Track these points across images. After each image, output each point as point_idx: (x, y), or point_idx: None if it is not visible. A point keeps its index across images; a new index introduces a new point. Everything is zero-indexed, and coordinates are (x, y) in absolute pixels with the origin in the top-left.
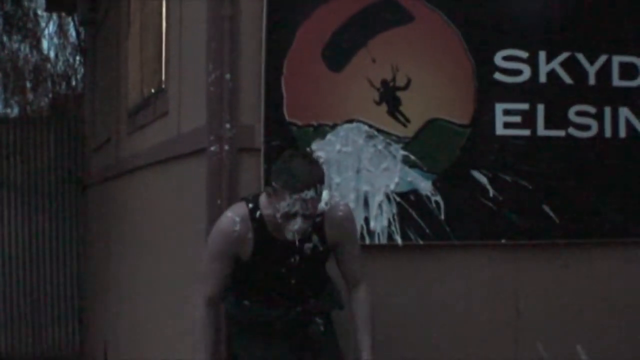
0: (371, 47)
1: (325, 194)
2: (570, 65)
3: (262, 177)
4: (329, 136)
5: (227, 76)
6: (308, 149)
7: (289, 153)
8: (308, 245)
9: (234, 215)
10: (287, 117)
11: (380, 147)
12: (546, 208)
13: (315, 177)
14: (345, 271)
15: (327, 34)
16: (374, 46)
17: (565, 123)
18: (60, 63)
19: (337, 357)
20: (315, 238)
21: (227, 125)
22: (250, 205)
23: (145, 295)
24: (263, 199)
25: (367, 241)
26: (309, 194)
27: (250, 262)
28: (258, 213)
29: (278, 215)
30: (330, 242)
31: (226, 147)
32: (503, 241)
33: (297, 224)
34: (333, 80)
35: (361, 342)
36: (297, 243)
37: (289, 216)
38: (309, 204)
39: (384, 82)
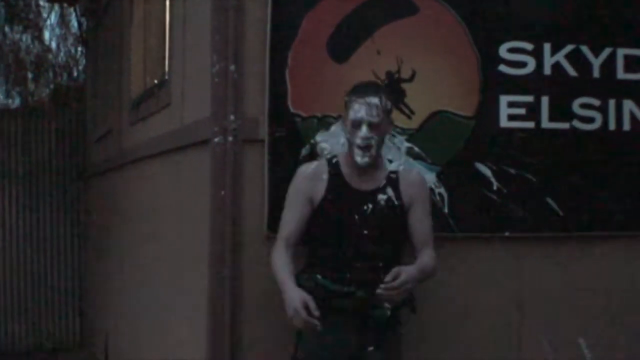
0: (376, 38)
1: (399, 156)
2: (575, 57)
3: (266, 168)
4: (333, 127)
5: (232, 67)
6: (312, 141)
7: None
8: (382, 196)
9: (313, 162)
10: (291, 109)
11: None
12: (550, 201)
13: (381, 89)
14: (413, 233)
15: (332, 25)
16: (379, 38)
17: (569, 115)
18: (62, 54)
19: (396, 349)
20: (389, 191)
21: (232, 117)
22: (329, 155)
23: (147, 286)
24: (341, 155)
25: None
26: (374, 100)
27: (323, 206)
28: (335, 159)
29: (347, 128)
30: (405, 199)
31: (230, 139)
32: (507, 234)
33: (362, 131)
34: (338, 72)
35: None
36: (365, 192)
37: (355, 124)
38: (374, 111)
39: (389, 74)
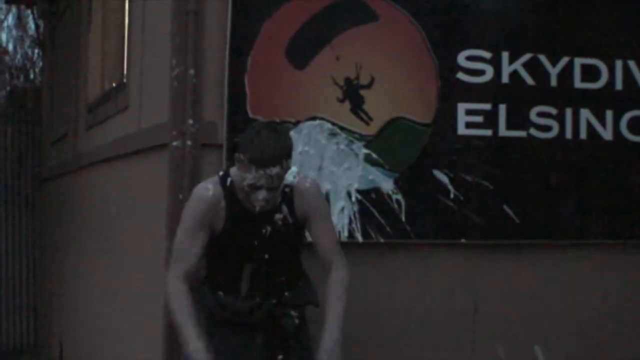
0: (335, 44)
1: (293, 168)
2: (533, 66)
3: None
4: (291, 133)
5: (191, 72)
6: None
7: (257, 125)
8: (278, 216)
9: (206, 183)
10: (250, 113)
11: (342, 145)
12: (507, 208)
13: (281, 152)
14: (318, 250)
15: (292, 30)
16: (338, 44)
17: (526, 124)
18: (18, 56)
19: (308, 353)
20: (284, 209)
21: (190, 121)
22: (221, 173)
23: (102, 290)
24: (234, 169)
25: None
26: (274, 170)
27: (223, 233)
28: (229, 180)
29: (244, 184)
30: (299, 215)
31: (189, 143)
32: (463, 240)
33: (262, 194)
34: (296, 77)
35: (322, 337)
36: (261, 214)
37: (254, 188)
38: (274, 179)
39: (348, 80)
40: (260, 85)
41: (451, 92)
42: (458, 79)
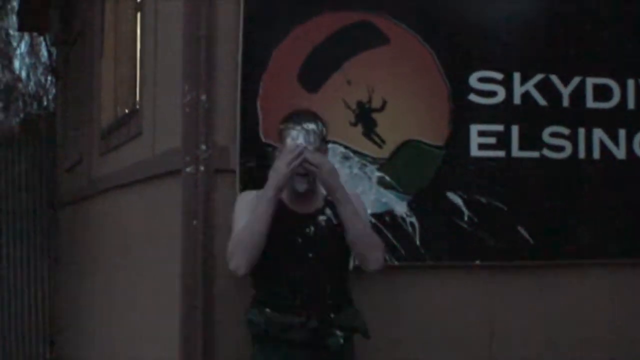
0: (347, 68)
1: (370, 186)
2: (545, 87)
3: (237, 193)
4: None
5: (203, 97)
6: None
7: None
8: (322, 217)
9: (253, 191)
10: (262, 138)
11: (355, 168)
12: (521, 229)
13: (317, 117)
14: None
15: (303, 55)
16: (350, 68)
17: (539, 144)
18: (32, 83)
19: None
20: (328, 211)
21: (203, 147)
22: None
23: (119, 316)
24: None
25: None
26: (311, 125)
27: (270, 233)
28: None
29: (285, 155)
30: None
31: (201, 168)
32: (477, 262)
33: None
34: (308, 101)
35: None
36: (304, 215)
37: (294, 150)
38: (312, 137)
39: (360, 104)
40: (272, 110)
41: (463, 113)
42: (470, 101)
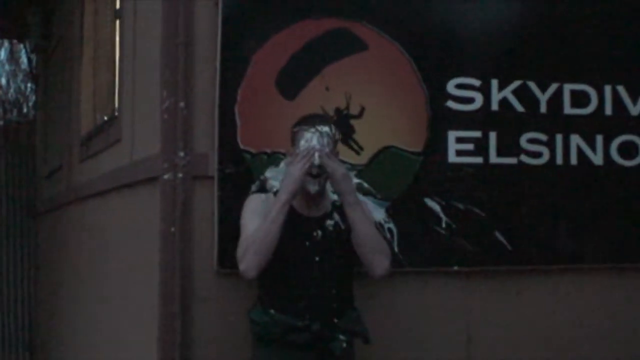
0: (325, 75)
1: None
2: (522, 93)
3: (216, 204)
4: (282, 164)
5: (182, 104)
6: (262, 177)
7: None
8: (330, 222)
9: (262, 195)
10: (241, 145)
11: None
12: (498, 235)
13: (329, 120)
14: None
15: (281, 61)
16: (328, 74)
17: (517, 150)
18: (11, 90)
19: None
20: (336, 216)
21: (181, 153)
22: (276, 189)
23: (96, 323)
24: None
25: None
26: (324, 128)
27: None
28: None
29: (297, 156)
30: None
31: (180, 175)
32: (455, 268)
33: (314, 159)
34: (287, 108)
35: None
36: (312, 219)
37: (307, 154)
38: (325, 139)
39: (338, 110)
40: (250, 117)
41: (441, 120)
42: (448, 107)
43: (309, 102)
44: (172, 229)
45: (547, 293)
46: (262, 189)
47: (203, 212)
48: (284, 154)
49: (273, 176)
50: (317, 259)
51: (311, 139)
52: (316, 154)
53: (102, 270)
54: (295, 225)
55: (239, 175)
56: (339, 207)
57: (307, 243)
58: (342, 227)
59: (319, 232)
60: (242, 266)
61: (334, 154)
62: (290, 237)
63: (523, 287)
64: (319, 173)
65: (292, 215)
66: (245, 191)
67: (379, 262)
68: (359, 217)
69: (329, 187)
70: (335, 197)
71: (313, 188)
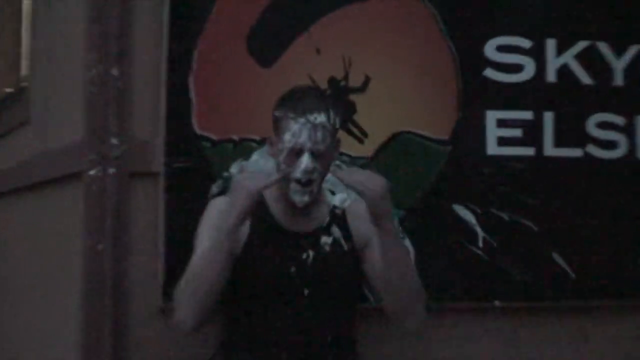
0: (314, 32)
1: (343, 195)
2: (590, 58)
3: (162, 212)
4: (255, 156)
5: (115, 71)
6: (227, 175)
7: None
8: (326, 239)
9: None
10: (197, 130)
11: None
12: (557, 257)
13: (328, 102)
14: (376, 281)
15: (254, 14)
16: (318, 32)
17: (582, 139)
18: None
19: None
20: (336, 231)
21: (114, 140)
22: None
23: (12, 336)
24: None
25: None
26: (319, 118)
27: (247, 254)
28: None
29: (279, 154)
30: (357, 239)
31: (112, 171)
32: (497, 303)
33: (304, 161)
34: (262, 79)
35: None
36: (302, 234)
37: (293, 153)
38: (319, 134)
39: (333, 81)
40: (210, 90)
41: (477, 95)
42: (486, 78)
43: (292, 71)
44: (100, 246)
45: (628, 338)
46: (227, 190)
47: (143, 223)
48: (258, 142)
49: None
50: (306, 291)
51: (299, 132)
52: (305, 157)
53: (15, 285)
54: (276, 243)
55: (195, 172)
56: (339, 217)
57: (293, 269)
58: (345, 246)
59: (310, 254)
60: (175, 316)
61: (335, 149)
62: (269, 261)
63: (593, 329)
64: (310, 180)
65: (272, 228)
66: (203, 194)
67: (412, 312)
68: (396, 256)
69: (330, 184)
70: (336, 200)
71: (301, 200)
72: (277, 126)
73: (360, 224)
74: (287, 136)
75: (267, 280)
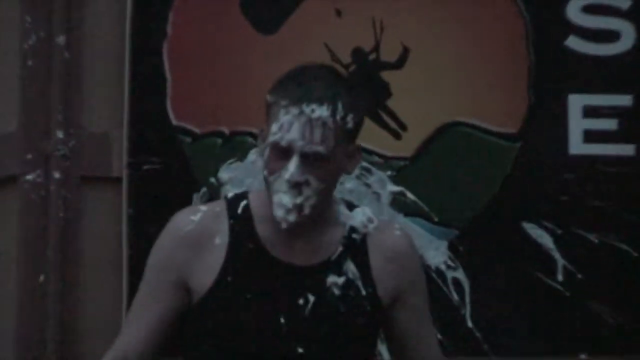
0: None
1: (365, 209)
2: None
3: (124, 227)
4: (252, 156)
5: (60, 40)
6: (213, 180)
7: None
8: (334, 279)
9: (197, 209)
10: (173, 118)
11: (350, 178)
12: None
13: (336, 91)
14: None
15: None
16: None
17: None
18: None
19: None
20: (350, 267)
21: (59, 134)
22: (231, 195)
23: None
24: (255, 194)
25: None
26: (318, 111)
27: (214, 299)
28: (243, 204)
29: (264, 157)
30: (381, 289)
31: (57, 175)
32: (583, 357)
33: (289, 170)
34: (262, 49)
35: None
36: (302, 269)
37: (278, 152)
38: (317, 132)
39: (358, 53)
40: (191, 69)
41: (556, 74)
42: (568, 49)
43: (302, 38)
44: (41, 278)
45: None
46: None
47: (102, 237)
48: (254, 136)
49: (233, 179)
50: (300, 350)
51: (289, 126)
52: (294, 160)
53: None
54: (260, 280)
55: (170, 176)
56: (358, 246)
57: (283, 321)
58: (363, 290)
59: (310, 299)
60: None
61: (346, 157)
62: (247, 306)
63: None
64: (299, 181)
65: (257, 258)
66: (179, 204)
67: None
68: (424, 324)
69: (344, 186)
70: (355, 221)
71: (284, 216)
72: (269, 112)
73: (385, 264)
74: (273, 127)
75: (244, 335)
